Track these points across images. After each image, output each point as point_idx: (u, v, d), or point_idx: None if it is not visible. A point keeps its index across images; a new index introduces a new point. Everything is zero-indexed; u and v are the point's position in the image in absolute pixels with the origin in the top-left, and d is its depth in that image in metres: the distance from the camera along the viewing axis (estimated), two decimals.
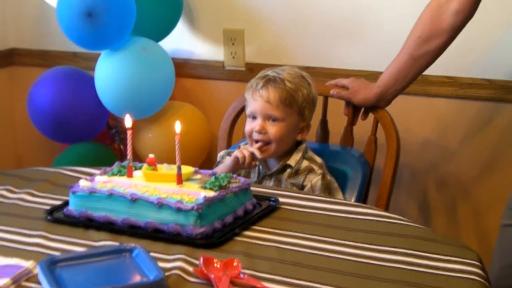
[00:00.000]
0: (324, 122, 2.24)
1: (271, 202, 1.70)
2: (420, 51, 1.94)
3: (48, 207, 1.70)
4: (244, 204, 1.63)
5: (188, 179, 1.64)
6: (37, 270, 1.37)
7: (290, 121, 1.97)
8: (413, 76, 2.00)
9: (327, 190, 1.95)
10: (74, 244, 1.53)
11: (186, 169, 1.64)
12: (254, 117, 1.99)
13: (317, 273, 1.39)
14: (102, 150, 2.73)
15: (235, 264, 1.37)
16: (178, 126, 1.63)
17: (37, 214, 1.68)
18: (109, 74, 2.50)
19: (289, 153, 2.00)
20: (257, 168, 2.03)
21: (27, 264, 1.39)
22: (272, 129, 1.96)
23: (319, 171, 1.96)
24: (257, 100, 1.97)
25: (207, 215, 1.52)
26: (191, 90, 2.78)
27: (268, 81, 1.97)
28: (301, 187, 1.97)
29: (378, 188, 2.10)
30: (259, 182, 2.01)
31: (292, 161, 1.98)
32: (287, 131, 1.97)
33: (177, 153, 1.60)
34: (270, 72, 2.00)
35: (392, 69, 2.01)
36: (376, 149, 2.15)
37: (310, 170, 1.97)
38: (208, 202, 1.53)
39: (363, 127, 2.17)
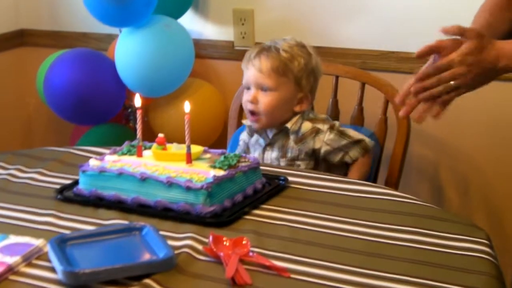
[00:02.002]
0: (334, 102, 2.23)
1: (281, 181, 1.70)
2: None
3: (58, 186, 1.71)
4: (253, 183, 1.63)
5: (198, 158, 1.64)
6: (48, 248, 1.38)
7: (284, 91, 1.94)
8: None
9: (341, 135, 1.93)
10: (84, 222, 1.54)
11: (196, 149, 1.64)
12: (248, 88, 1.98)
13: (326, 251, 1.39)
14: (121, 131, 2.73)
15: (244, 242, 1.37)
16: (187, 106, 1.63)
17: (47, 193, 1.69)
18: (131, 52, 2.49)
19: (287, 121, 1.98)
20: (260, 143, 2.02)
21: (38, 242, 1.40)
22: (264, 99, 1.94)
23: (325, 127, 1.94)
24: (250, 69, 1.96)
25: (216, 194, 1.52)
26: (201, 70, 2.77)
27: (262, 50, 1.96)
28: (313, 151, 1.95)
29: (388, 167, 2.09)
30: (262, 153, 2.00)
31: (289, 124, 1.96)
32: (280, 101, 1.94)
33: (186, 132, 1.60)
34: (269, 42, 1.99)
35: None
36: (386, 129, 2.14)
37: (316, 132, 1.95)
38: (218, 181, 1.53)
39: (374, 106, 2.16)
